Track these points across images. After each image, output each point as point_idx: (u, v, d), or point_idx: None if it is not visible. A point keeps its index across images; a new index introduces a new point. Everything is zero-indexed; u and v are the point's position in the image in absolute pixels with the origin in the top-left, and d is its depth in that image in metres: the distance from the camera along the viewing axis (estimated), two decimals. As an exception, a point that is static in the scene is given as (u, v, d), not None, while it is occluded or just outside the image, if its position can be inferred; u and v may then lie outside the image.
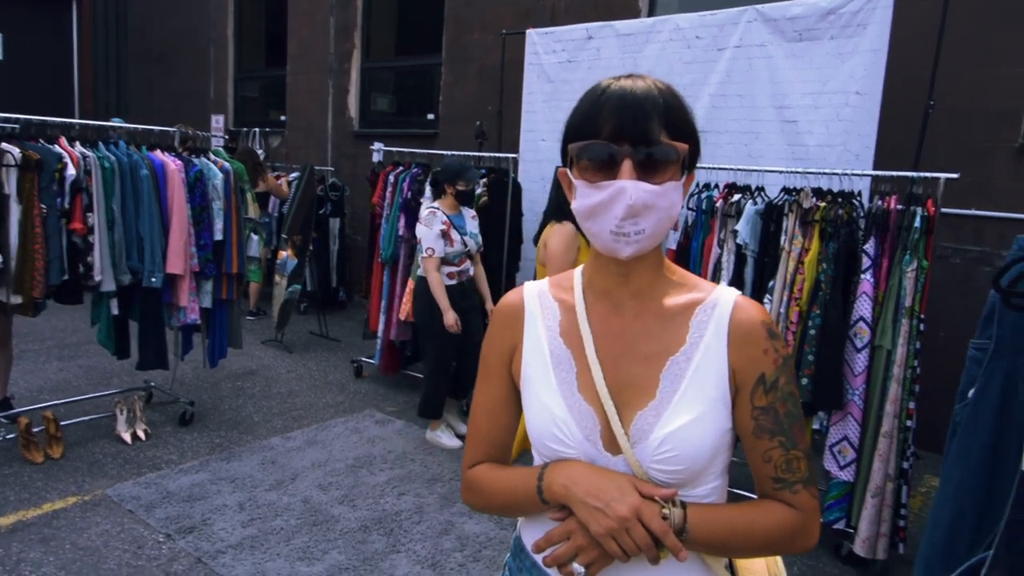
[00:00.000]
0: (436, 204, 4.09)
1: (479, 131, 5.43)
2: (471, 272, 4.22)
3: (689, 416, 0.95)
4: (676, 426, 0.95)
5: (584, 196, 0.95)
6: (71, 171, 3.56)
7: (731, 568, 1.07)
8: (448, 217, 4.02)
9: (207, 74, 9.73)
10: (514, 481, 1.05)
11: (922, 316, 2.80)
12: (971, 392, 1.28)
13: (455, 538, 3.21)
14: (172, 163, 4.02)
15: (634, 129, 0.91)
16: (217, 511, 3.32)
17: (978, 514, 1.23)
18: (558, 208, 3.45)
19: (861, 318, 2.85)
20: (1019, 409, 1.10)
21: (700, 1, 4.98)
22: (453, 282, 4.07)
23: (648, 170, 0.92)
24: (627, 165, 0.91)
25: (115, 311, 3.96)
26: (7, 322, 3.83)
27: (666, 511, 0.92)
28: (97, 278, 3.70)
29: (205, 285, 4.23)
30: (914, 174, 3.03)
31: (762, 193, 3.47)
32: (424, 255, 3.96)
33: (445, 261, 4.04)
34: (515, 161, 4.91)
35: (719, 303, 1.01)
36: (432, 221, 3.97)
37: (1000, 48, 4.14)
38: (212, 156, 4.39)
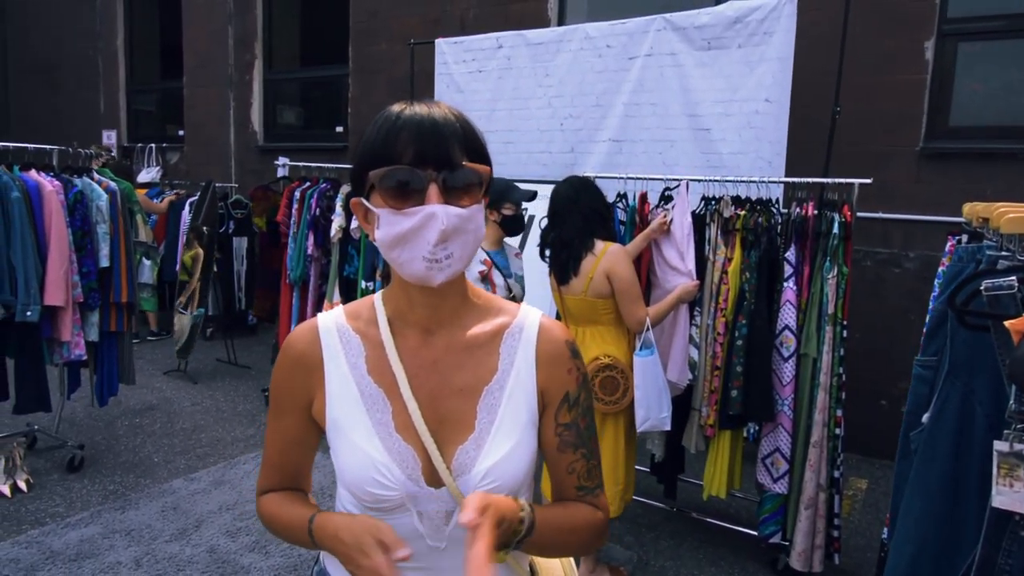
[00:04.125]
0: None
1: (390, 144, 5.23)
2: None
3: (508, 446, 0.98)
4: (497, 458, 0.97)
5: (390, 224, 0.92)
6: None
7: (531, 569, 1.10)
8: (488, 255, 2.95)
9: (96, 87, 9.10)
10: (292, 519, 1.03)
11: (845, 322, 2.80)
12: (925, 416, 1.21)
13: (379, 580, 2.99)
14: (48, 184, 3.64)
15: (437, 153, 0.91)
16: (109, 569, 2.98)
17: (941, 544, 1.16)
18: (602, 222, 2.82)
19: (786, 327, 2.83)
20: (979, 434, 1.03)
21: (609, 11, 4.95)
22: None
23: (453, 194, 0.92)
24: (433, 189, 0.90)
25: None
26: None
27: (523, 513, 0.94)
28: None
29: (91, 317, 3.85)
30: (828, 180, 3.04)
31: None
32: None
33: None
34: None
35: (525, 326, 1.04)
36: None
37: (893, 55, 4.29)
38: (96, 175, 4.02)
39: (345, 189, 4.68)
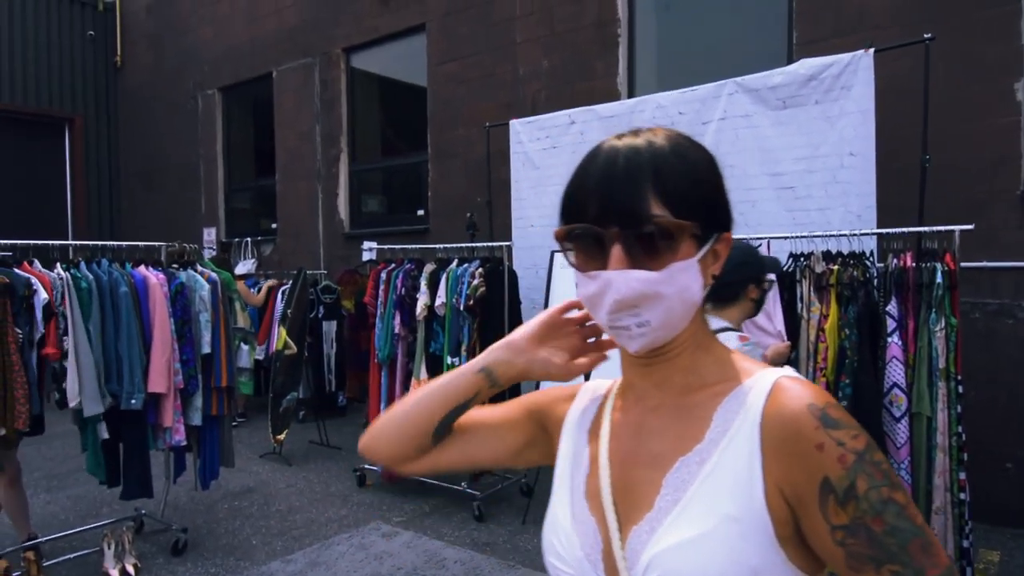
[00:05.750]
0: (726, 322, 2.24)
1: (470, 223, 5.37)
2: None
3: (689, 533, 0.73)
4: (667, 545, 0.74)
5: (581, 285, 0.81)
6: (42, 295, 3.41)
7: None
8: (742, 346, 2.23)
9: (198, 189, 9.83)
10: (436, 382, 0.97)
11: (959, 377, 2.61)
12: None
13: (476, 666, 2.88)
14: (153, 277, 3.89)
15: (622, 208, 0.76)
16: (211, 654, 3.00)
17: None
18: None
19: (895, 384, 2.66)
20: None
21: (679, 81, 5.01)
22: None
23: (643, 253, 0.76)
24: (616, 251, 0.76)
25: (104, 435, 3.74)
26: (14, 458, 3.63)
27: None
28: (72, 402, 3.49)
29: (194, 401, 4.02)
30: (925, 228, 2.91)
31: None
32: None
33: None
34: (509, 249, 4.82)
35: (754, 388, 0.77)
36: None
37: (981, 99, 4.13)
38: (199, 267, 4.28)
39: (428, 268, 4.80)
